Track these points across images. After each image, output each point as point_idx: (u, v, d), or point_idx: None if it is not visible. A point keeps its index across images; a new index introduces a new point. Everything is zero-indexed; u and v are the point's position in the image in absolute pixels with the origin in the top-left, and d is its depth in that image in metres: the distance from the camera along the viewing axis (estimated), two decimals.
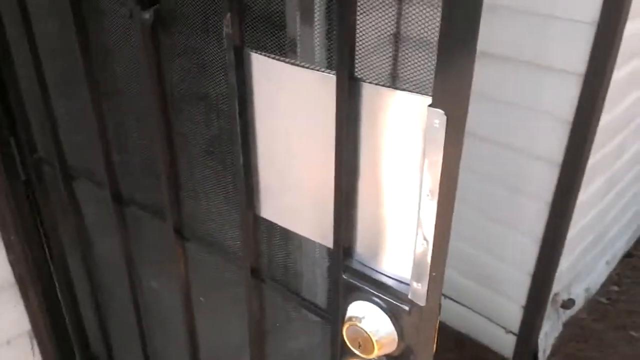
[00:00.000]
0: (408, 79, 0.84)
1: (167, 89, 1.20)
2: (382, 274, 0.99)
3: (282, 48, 1.04)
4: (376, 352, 0.99)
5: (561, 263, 2.52)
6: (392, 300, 0.97)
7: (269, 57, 0.99)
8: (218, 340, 1.51)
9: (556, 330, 2.81)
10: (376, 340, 0.97)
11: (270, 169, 1.10)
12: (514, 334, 2.70)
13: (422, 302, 0.93)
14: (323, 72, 0.92)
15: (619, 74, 2.28)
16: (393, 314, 0.98)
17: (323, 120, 0.96)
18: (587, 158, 2.29)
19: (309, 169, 1.04)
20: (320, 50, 1.00)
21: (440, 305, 0.93)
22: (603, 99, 2.18)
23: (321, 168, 1.00)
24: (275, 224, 1.15)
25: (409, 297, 0.94)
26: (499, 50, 2.36)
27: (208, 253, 1.35)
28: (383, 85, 0.86)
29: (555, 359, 2.71)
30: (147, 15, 1.11)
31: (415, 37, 0.81)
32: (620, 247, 3.31)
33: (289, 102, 1.01)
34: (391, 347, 1.00)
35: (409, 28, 0.81)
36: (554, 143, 2.31)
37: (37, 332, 1.98)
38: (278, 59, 0.97)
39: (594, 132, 2.25)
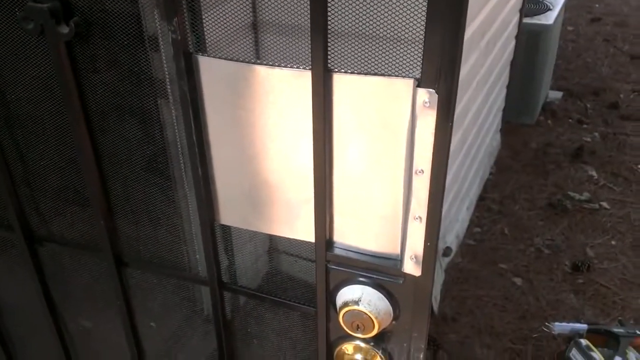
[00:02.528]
0: (385, 64, 0.87)
1: (92, 107, 1.09)
2: (368, 255, 1.03)
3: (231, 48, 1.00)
4: (376, 330, 1.02)
5: None
6: (384, 277, 1.01)
7: (226, 60, 0.95)
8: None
9: (440, 277, 3.09)
10: (376, 318, 1.01)
11: (229, 174, 1.07)
12: None
13: (417, 273, 0.98)
14: (291, 68, 0.91)
15: (465, 35, 2.53)
16: (386, 289, 1.02)
17: (291, 116, 0.95)
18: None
19: (276, 167, 1.02)
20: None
21: (434, 272, 0.99)
22: None
23: (289, 163, 1.00)
24: (239, 230, 1.13)
25: (403, 270, 0.99)
26: None
27: (156, 274, 1.26)
28: (359, 74, 0.88)
29: (446, 304, 2.99)
30: (65, 30, 1.00)
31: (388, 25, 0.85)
32: (475, 193, 3.72)
33: (250, 103, 0.98)
34: (387, 321, 1.04)
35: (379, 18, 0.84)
36: None
37: None
38: (239, 61, 0.94)
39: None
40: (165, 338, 1.38)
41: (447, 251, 3.16)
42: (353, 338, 1.08)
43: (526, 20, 3.93)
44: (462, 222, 3.49)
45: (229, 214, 1.11)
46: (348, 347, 1.11)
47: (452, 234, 3.31)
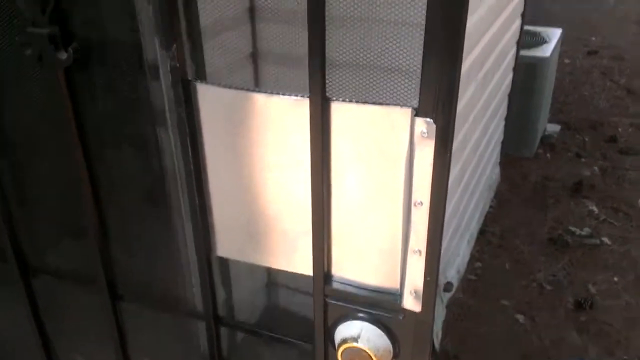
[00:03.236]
0: (383, 93, 0.87)
1: (90, 134, 1.08)
2: (367, 289, 1.00)
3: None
4: None
5: None
6: (383, 313, 0.98)
7: (224, 87, 0.94)
8: None
9: (442, 313, 3.04)
10: (375, 355, 0.98)
11: (227, 204, 1.05)
12: None
13: (417, 309, 0.95)
14: (290, 96, 0.90)
15: (464, 67, 2.55)
16: (386, 326, 0.99)
17: (289, 145, 0.94)
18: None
19: (274, 197, 1.01)
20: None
21: (434, 308, 0.97)
22: None
23: (287, 194, 0.99)
24: (236, 262, 1.10)
25: (403, 306, 0.96)
26: None
27: (152, 307, 1.23)
28: (357, 102, 0.87)
29: (448, 341, 2.93)
30: (64, 56, 0.99)
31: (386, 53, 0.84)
32: (475, 226, 3.69)
33: (248, 131, 0.97)
34: (387, 359, 1.01)
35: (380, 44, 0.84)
36: None
37: None
38: (237, 88, 0.93)
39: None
40: None
41: (448, 286, 3.11)
42: None
43: (523, 52, 3.97)
44: (462, 257, 3.45)
45: (226, 246, 1.08)
46: None
47: (453, 269, 3.27)
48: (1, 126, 1.17)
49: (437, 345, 2.90)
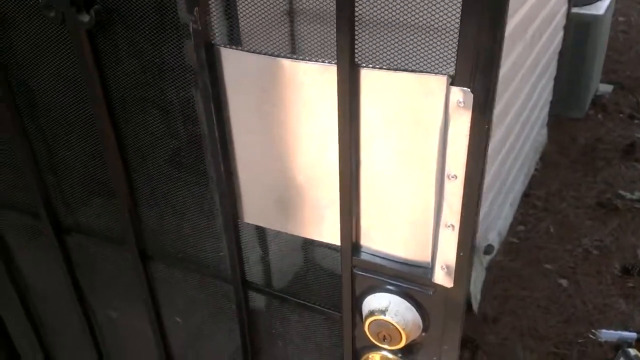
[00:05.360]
0: (416, 59, 0.81)
1: (115, 96, 1.06)
2: (396, 261, 0.97)
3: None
4: (404, 342, 0.97)
5: None
6: (413, 287, 0.95)
7: (249, 52, 0.90)
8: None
9: (481, 276, 2.99)
10: (403, 329, 0.95)
11: (253, 171, 1.02)
12: None
13: (449, 284, 0.92)
14: (318, 62, 0.85)
15: (509, 26, 2.42)
16: (415, 300, 0.96)
17: (316, 113, 0.90)
18: None
19: (302, 165, 0.97)
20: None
21: (468, 284, 0.92)
22: None
23: (315, 162, 0.95)
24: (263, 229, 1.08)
25: (434, 280, 0.93)
26: None
27: (182, 269, 1.24)
28: (388, 69, 0.81)
29: (487, 303, 2.89)
30: (86, 18, 0.97)
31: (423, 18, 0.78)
32: (519, 189, 3.58)
33: (273, 97, 0.93)
34: (416, 333, 0.98)
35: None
36: None
37: None
38: (262, 53, 0.89)
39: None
40: (190, 333, 1.36)
41: (488, 249, 3.05)
42: (380, 348, 1.02)
43: (575, 10, 3.74)
44: (504, 220, 3.37)
45: (253, 212, 1.06)
46: (375, 357, 1.05)
47: (495, 232, 3.20)
48: (32, 90, 1.16)
49: (475, 307, 2.86)
